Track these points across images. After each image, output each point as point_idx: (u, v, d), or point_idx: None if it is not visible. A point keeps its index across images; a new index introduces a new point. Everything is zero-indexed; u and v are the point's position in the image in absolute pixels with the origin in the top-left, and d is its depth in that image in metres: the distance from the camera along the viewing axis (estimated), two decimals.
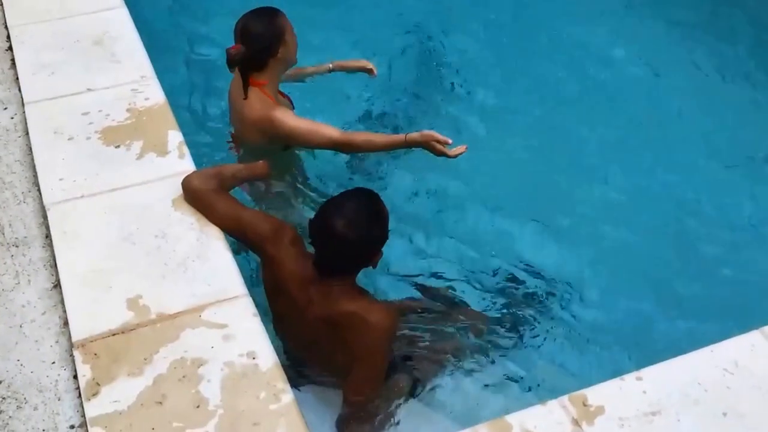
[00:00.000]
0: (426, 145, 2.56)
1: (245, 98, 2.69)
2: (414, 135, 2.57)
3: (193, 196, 2.33)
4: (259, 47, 2.62)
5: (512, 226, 3.03)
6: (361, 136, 2.70)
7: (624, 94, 3.75)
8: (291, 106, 2.92)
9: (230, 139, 2.93)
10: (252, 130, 2.75)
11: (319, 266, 2.12)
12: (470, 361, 2.46)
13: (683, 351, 1.98)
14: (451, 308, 2.63)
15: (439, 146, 2.55)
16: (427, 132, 2.55)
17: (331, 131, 2.64)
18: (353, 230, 2.02)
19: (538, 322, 2.62)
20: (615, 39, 4.05)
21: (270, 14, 2.66)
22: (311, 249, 2.17)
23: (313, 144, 2.72)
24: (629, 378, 1.91)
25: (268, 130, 2.69)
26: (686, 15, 4.23)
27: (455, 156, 2.56)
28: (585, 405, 1.85)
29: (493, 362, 2.45)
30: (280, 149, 2.82)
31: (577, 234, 3.01)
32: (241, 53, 2.60)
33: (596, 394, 1.88)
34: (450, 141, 2.54)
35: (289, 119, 2.66)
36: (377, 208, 2.12)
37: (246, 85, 2.68)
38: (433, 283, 2.75)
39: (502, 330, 2.58)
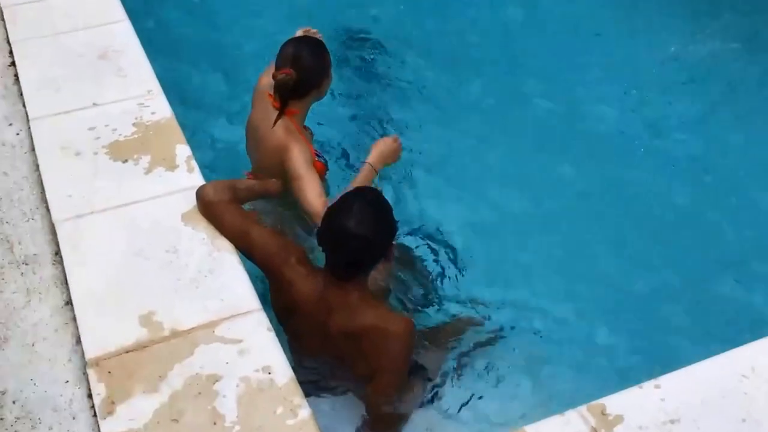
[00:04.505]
0: (388, 152, 2.65)
1: (273, 126, 2.61)
2: (373, 157, 2.61)
3: (206, 206, 2.33)
4: (308, 76, 2.60)
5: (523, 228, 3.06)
6: None
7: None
8: (311, 139, 2.85)
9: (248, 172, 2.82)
10: (271, 156, 2.64)
11: (336, 271, 2.14)
12: (481, 360, 2.47)
13: (701, 357, 1.98)
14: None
15: (391, 143, 2.66)
16: (378, 140, 2.70)
17: (318, 201, 2.46)
18: (367, 227, 2.08)
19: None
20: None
21: (321, 46, 2.69)
22: (321, 261, 2.17)
23: (297, 196, 2.53)
24: (647, 386, 1.91)
25: (281, 158, 2.58)
26: None
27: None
28: (604, 414, 1.84)
29: (507, 369, 2.45)
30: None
31: (593, 238, 3.01)
32: (294, 79, 2.55)
33: (615, 403, 1.87)
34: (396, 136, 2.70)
35: (299, 159, 2.54)
36: (381, 202, 2.19)
37: (282, 112, 2.61)
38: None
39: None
